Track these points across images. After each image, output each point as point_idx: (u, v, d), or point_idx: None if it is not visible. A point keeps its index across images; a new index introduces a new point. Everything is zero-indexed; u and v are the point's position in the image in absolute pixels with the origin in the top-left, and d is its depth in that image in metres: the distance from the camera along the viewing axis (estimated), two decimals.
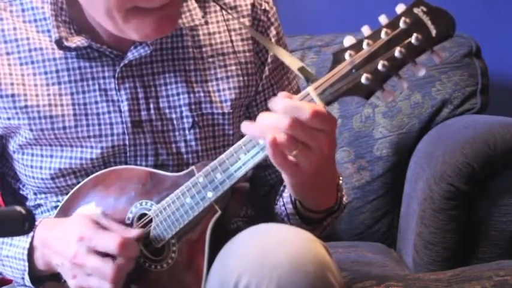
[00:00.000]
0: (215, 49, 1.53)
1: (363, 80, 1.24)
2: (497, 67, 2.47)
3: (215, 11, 1.54)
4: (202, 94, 1.51)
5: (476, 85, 2.30)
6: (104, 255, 1.35)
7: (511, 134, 1.88)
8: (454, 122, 2.20)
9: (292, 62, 1.33)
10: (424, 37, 1.22)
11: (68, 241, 1.38)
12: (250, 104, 1.57)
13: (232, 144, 1.36)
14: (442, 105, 2.28)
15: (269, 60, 1.56)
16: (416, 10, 1.23)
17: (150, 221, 1.42)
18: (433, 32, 1.22)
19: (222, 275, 1.32)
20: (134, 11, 1.38)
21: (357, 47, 1.25)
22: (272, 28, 1.57)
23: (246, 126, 1.30)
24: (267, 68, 1.56)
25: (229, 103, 1.52)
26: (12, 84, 1.48)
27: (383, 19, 1.24)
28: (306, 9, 2.64)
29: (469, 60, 2.31)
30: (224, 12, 1.54)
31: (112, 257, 1.35)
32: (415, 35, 1.22)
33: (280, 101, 1.28)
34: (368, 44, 1.24)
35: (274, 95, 1.55)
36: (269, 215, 1.57)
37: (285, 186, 1.53)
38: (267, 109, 1.55)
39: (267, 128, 1.26)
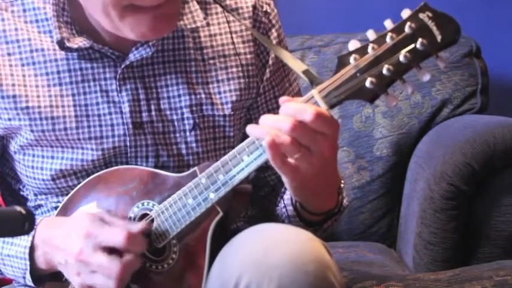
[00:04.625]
0: (216, 51, 1.53)
1: (368, 84, 1.24)
2: (497, 67, 2.48)
3: (216, 13, 1.54)
4: (203, 96, 1.51)
5: (476, 85, 2.30)
6: (110, 252, 1.35)
7: (511, 134, 1.88)
8: (454, 122, 2.20)
9: (296, 65, 1.34)
10: (429, 42, 1.22)
11: (74, 238, 1.37)
12: (252, 106, 1.57)
13: (233, 146, 1.36)
14: (442, 105, 2.28)
15: (270, 62, 1.56)
16: (421, 15, 1.23)
17: (152, 221, 1.41)
18: (438, 38, 1.22)
19: (223, 275, 1.32)
20: (130, 9, 1.38)
21: (362, 51, 1.25)
22: (273, 30, 1.57)
23: (250, 127, 1.30)
24: (268, 70, 1.56)
25: (230, 105, 1.52)
26: (13, 85, 1.48)
27: (388, 24, 1.25)
28: (306, 9, 2.64)
29: (469, 60, 2.32)
30: (226, 14, 1.54)
31: (118, 255, 1.35)
32: (420, 40, 1.22)
33: (284, 104, 1.28)
34: (373, 48, 1.24)
35: (276, 97, 1.56)
36: (268, 216, 1.57)
37: (286, 188, 1.53)
38: (268, 111, 1.57)
39: (270, 129, 1.27)
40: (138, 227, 1.37)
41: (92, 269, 1.35)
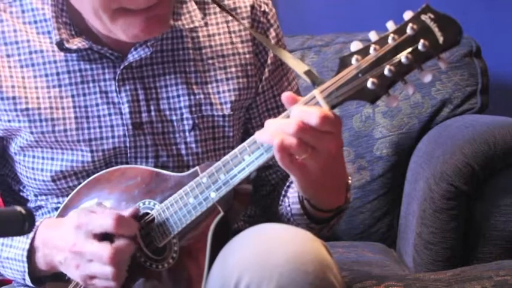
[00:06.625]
0: (215, 51, 1.53)
1: (369, 84, 1.24)
2: (497, 67, 2.47)
3: (215, 13, 1.54)
4: (202, 96, 1.51)
5: (476, 85, 2.30)
6: (103, 239, 1.35)
7: (511, 134, 1.87)
8: (454, 122, 2.20)
9: (298, 65, 1.34)
10: (431, 44, 1.23)
11: (67, 233, 1.38)
12: (250, 106, 1.57)
13: (233, 146, 1.36)
14: (442, 105, 2.28)
15: (269, 61, 1.56)
16: (423, 17, 1.23)
17: (153, 220, 1.42)
18: (440, 39, 1.23)
19: (223, 275, 1.32)
20: (121, 12, 1.38)
21: (363, 51, 1.25)
22: (271, 30, 1.57)
23: (258, 134, 1.30)
24: (266, 70, 1.56)
25: (229, 105, 1.52)
26: (13, 86, 1.48)
27: (390, 25, 1.25)
28: (306, 9, 2.64)
29: (469, 60, 2.31)
30: (224, 13, 1.54)
31: (111, 241, 1.35)
32: (422, 41, 1.22)
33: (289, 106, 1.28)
34: (375, 49, 1.24)
35: (274, 96, 1.56)
36: (270, 215, 1.57)
37: (288, 187, 1.54)
38: (267, 110, 1.57)
39: (276, 133, 1.27)
40: (127, 211, 1.38)
41: (87, 258, 1.36)
